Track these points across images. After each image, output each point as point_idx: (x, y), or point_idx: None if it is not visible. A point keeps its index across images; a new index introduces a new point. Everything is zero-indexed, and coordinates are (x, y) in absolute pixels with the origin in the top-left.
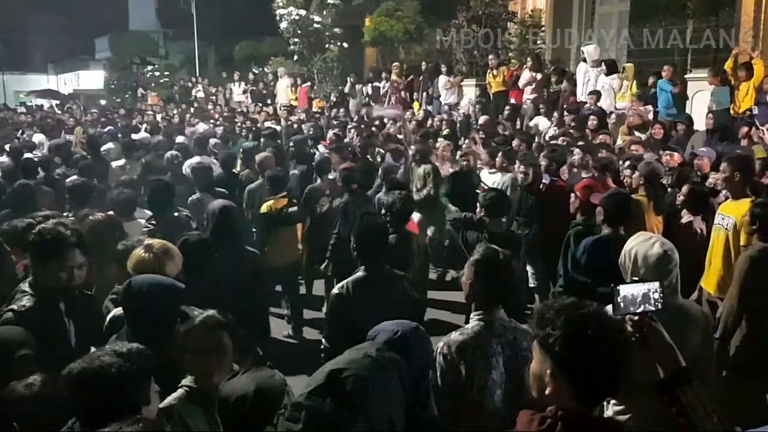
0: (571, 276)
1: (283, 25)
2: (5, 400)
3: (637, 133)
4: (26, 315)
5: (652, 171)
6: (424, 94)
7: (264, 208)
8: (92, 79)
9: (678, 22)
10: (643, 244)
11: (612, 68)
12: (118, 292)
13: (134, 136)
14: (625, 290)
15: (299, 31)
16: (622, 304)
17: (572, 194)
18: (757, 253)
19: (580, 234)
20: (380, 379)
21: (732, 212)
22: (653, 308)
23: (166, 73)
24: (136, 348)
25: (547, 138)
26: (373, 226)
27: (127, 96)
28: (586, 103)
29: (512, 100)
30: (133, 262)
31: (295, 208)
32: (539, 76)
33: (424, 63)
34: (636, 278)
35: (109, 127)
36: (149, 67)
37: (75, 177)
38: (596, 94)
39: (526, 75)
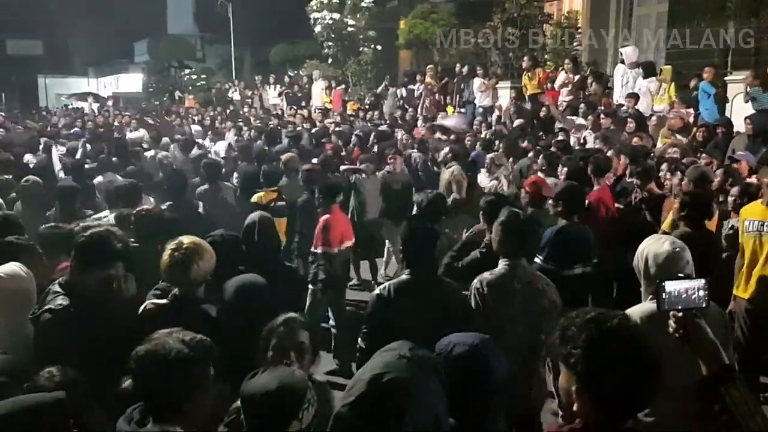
0: None
1: (318, 29)
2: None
3: (678, 136)
4: (62, 313)
5: (701, 175)
6: (458, 96)
7: (254, 199)
8: (131, 82)
9: (718, 23)
10: (653, 244)
11: (649, 71)
12: (162, 288)
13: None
14: (671, 286)
15: (333, 35)
16: (667, 300)
17: (522, 189)
18: (680, 235)
19: None
20: (420, 379)
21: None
22: (698, 305)
23: (203, 76)
24: (199, 338)
25: (583, 141)
26: (421, 231)
27: (165, 99)
28: (623, 105)
29: (547, 102)
30: (164, 261)
31: (282, 203)
32: (576, 78)
33: (458, 65)
34: (682, 275)
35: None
36: (186, 71)
37: (126, 178)
38: (635, 97)
39: (561, 76)
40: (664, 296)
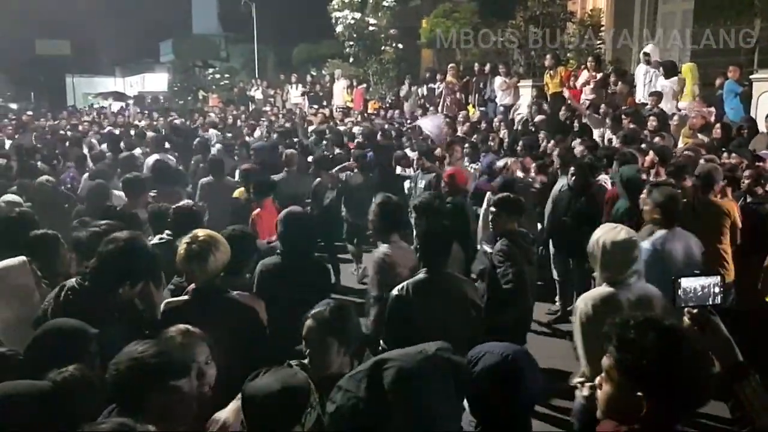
0: None
1: (339, 28)
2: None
3: (700, 136)
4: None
5: (706, 173)
6: (478, 95)
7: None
8: (157, 81)
9: (744, 21)
10: (609, 232)
11: (670, 71)
12: (176, 283)
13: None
14: (686, 283)
15: (355, 34)
16: (682, 296)
17: (442, 180)
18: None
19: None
20: (428, 377)
21: None
22: (714, 302)
23: (226, 75)
24: (161, 351)
25: (606, 142)
26: (438, 229)
27: (189, 98)
28: (646, 104)
29: (569, 99)
30: (180, 254)
31: None
32: (598, 76)
33: (477, 64)
34: (694, 274)
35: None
36: (210, 70)
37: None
38: (657, 95)
39: (584, 75)
40: (679, 292)
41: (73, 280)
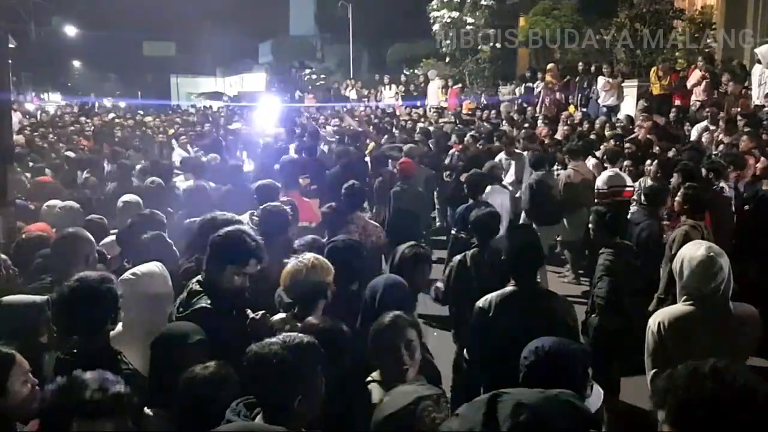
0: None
1: (436, 27)
2: (186, 380)
3: None
4: (208, 312)
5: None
6: (580, 95)
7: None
8: (255, 81)
9: None
10: (690, 247)
11: None
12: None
13: None
14: None
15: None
16: None
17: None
18: (689, 228)
19: (400, 193)
20: (545, 414)
21: None
22: None
23: (322, 76)
24: (307, 341)
25: (717, 144)
26: (528, 241)
27: (285, 98)
28: (764, 107)
29: (677, 103)
30: (286, 273)
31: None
32: (709, 76)
33: (581, 63)
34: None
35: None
36: (307, 71)
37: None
38: None
39: (696, 75)
40: None
41: (199, 277)
